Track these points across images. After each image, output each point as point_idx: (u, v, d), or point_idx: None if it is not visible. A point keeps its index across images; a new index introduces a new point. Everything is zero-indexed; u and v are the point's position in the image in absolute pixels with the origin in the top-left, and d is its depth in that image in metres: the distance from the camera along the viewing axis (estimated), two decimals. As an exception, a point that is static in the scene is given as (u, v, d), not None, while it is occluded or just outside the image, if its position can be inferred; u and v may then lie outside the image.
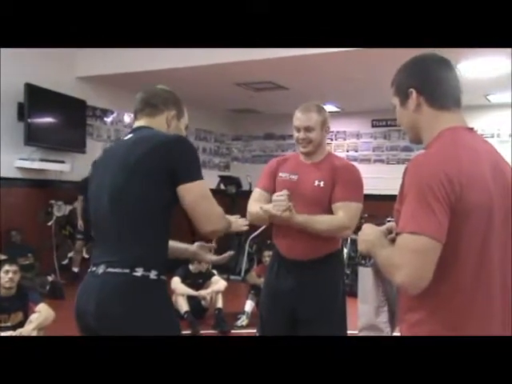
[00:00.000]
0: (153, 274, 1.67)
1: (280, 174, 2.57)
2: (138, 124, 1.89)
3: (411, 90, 1.45)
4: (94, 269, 1.72)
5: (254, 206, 2.53)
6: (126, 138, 1.86)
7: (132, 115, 1.97)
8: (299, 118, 2.55)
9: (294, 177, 2.53)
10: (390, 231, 1.50)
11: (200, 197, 1.70)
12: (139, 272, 1.65)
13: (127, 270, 1.64)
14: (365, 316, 1.56)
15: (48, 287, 5.66)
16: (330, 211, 2.45)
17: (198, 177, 1.70)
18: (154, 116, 1.88)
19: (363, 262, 1.61)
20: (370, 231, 1.50)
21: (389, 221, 1.46)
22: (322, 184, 2.44)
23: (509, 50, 4.79)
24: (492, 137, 7.41)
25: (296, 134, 2.56)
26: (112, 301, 1.64)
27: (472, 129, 1.47)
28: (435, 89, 1.45)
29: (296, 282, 2.48)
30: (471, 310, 1.35)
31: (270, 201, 2.51)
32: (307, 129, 2.51)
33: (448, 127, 1.42)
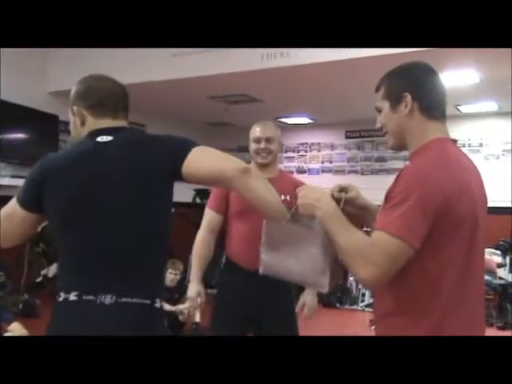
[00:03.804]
0: (159, 303, 1.53)
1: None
2: (116, 124, 1.61)
3: (406, 94, 1.45)
4: (92, 297, 1.45)
5: (203, 232, 2.72)
6: (105, 140, 1.55)
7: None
8: (259, 130, 2.74)
9: None
10: (335, 198, 1.51)
11: (205, 156, 1.55)
12: (158, 303, 1.52)
13: (148, 301, 1.48)
14: (311, 276, 1.47)
15: (21, 306, 5.53)
16: None
17: (192, 145, 1.55)
18: (126, 117, 1.67)
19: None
20: (326, 200, 1.46)
21: (365, 231, 1.45)
22: (288, 198, 2.44)
23: (475, 62, 4.90)
24: (464, 146, 7.55)
25: (255, 146, 2.70)
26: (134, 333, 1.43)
27: (456, 141, 1.50)
28: (428, 97, 1.47)
29: (262, 295, 2.60)
30: (454, 317, 1.36)
31: (221, 223, 2.67)
32: (268, 140, 2.69)
33: (436, 138, 1.44)
